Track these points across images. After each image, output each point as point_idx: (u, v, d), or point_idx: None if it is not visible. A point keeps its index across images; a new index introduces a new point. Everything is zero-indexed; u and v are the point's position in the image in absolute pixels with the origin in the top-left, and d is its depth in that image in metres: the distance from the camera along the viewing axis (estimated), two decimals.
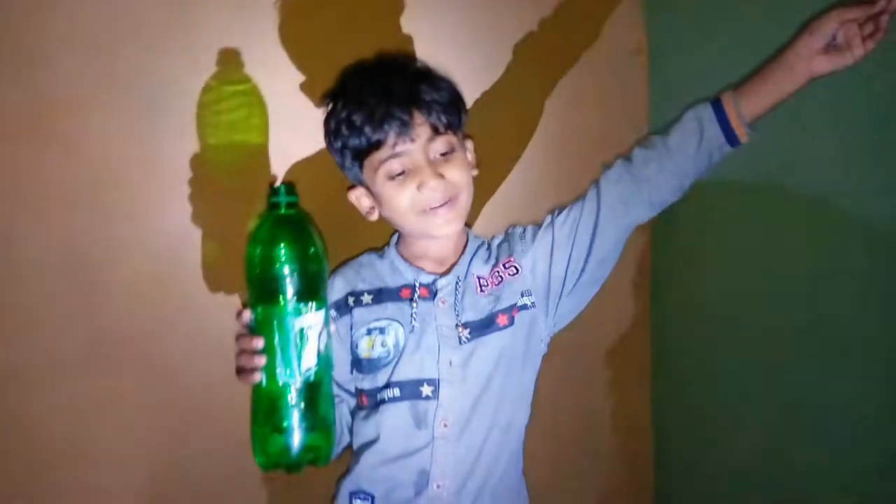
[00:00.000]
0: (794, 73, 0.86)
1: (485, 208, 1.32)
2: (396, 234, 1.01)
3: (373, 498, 0.92)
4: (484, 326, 0.93)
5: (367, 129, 0.88)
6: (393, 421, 0.90)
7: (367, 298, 0.94)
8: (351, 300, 0.96)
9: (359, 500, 0.92)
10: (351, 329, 0.95)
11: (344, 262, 1.02)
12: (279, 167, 1.17)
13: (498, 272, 0.98)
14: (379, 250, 1.03)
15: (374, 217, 0.96)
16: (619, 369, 1.64)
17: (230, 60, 1.17)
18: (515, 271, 0.97)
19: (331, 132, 0.94)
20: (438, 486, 0.90)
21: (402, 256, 0.98)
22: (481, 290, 0.96)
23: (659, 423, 1.66)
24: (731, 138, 0.92)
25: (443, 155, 0.91)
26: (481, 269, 0.98)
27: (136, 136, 1.17)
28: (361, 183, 0.95)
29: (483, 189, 1.37)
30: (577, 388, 1.59)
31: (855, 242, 1.02)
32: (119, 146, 1.17)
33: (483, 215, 1.31)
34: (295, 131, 1.12)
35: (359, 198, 0.96)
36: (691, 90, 1.35)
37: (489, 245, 1.03)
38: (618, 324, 1.61)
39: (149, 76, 1.16)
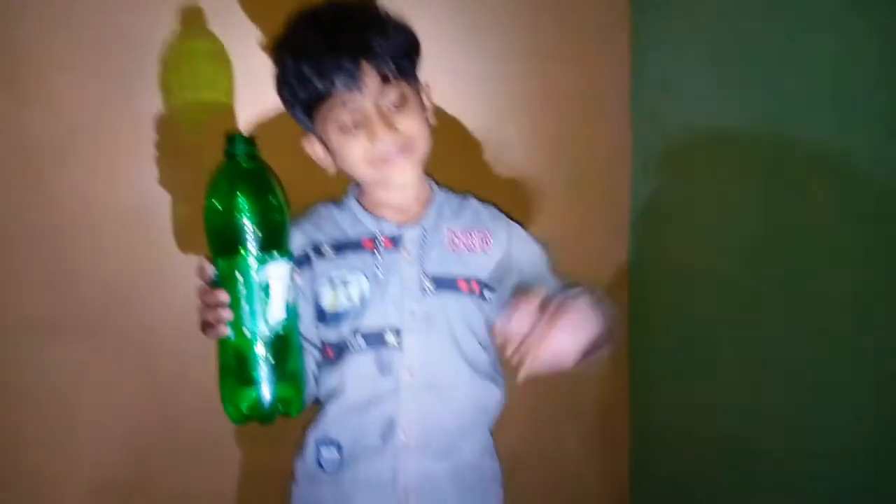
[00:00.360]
0: None
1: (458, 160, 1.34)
2: (355, 184, 0.99)
3: (339, 446, 0.92)
4: (447, 284, 0.93)
5: (315, 81, 0.86)
6: (357, 369, 0.90)
7: (328, 250, 0.93)
8: (311, 253, 0.95)
9: (325, 448, 0.93)
10: (313, 281, 0.93)
11: (300, 215, 1.00)
12: (247, 126, 1.18)
13: (472, 236, 0.97)
14: (336, 201, 1.01)
15: (331, 167, 0.95)
16: None
17: (196, 19, 1.17)
18: (489, 248, 0.97)
19: (280, 84, 0.92)
20: (405, 435, 0.91)
21: (362, 206, 0.97)
22: (453, 246, 0.95)
23: (636, 386, 1.69)
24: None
25: (395, 105, 0.89)
26: (453, 222, 0.97)
27: (109, 96, 1.18)
28: (313, 133, 0.93)
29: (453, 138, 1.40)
30: None
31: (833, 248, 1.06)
32: (93, 105, 1.18)
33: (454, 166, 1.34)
34: (262, 89, 1.13)
35: (313, 147, 0.95)
36: (675, 44, 1.37)
37: (462, 202, 1.01)
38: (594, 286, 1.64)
39: (123, 35, 1.16)
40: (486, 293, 0.95)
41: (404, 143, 0.89)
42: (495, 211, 1.02)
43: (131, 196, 1.21)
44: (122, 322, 1.24)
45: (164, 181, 1.20)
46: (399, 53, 0.89)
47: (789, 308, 1.21)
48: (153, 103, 1.17)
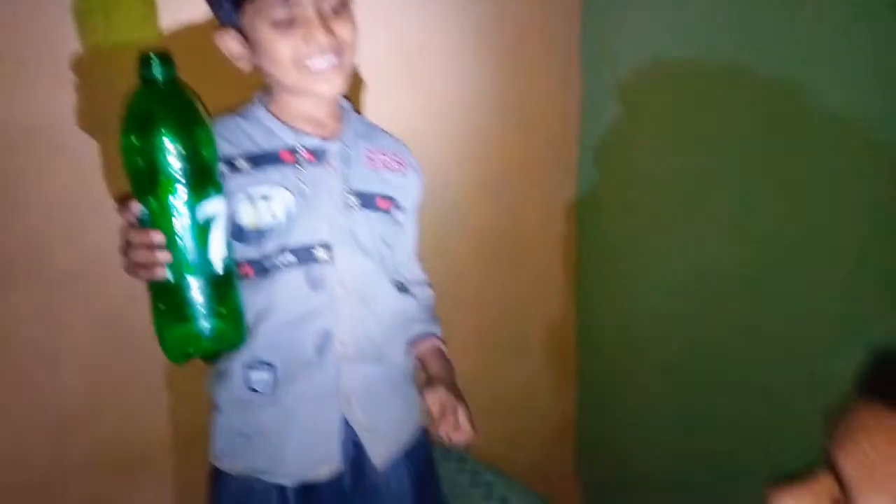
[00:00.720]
0: None
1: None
2: (261, 94, 0.94)
3: (271, 366, 0.90)
4: (369, 201, 0.93)
5: None
6: (287, 286, 0.88)
7: (243, 164, 0.87)
8: (224, 167, 0.86)
9: (255, 372, 0.90)
10: (228, 198, 0.84)
11: None
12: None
13: (387, 156, 0.97)
14: (237, 112, 0.93)
15: (245, 66, 0.89)
16: (543, 255, 1.69)
17: None
18: (404, 168, 0.98)
19: None
20: (343, 346, 0.91)
21: (274, 116, 0.91)
22: (371, 164, 0.95)
23: (583, 310, 1.73)
24: None
25: (334, 10, 0.85)
26: (367, 142, 0.96)
27: (23, 25, 1.12)
28: (235, 26, 0.86)
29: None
30: (503, 278, 1.66)
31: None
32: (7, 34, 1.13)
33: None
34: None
35: (228, 42, 0.87)
36: None
37: (371, 125, 1.00)
38: (543, 219, 1.67)
39: None
40: (399, 213, 0.96)
41: (338, 49, 0.85)
42: (404, 145, 1.02)
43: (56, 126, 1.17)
44: (64, 254, 1.21)
45: (84, 113, 1.16)
46: None
47: (733, 239, 1.23)
48: (69, 32, 1.12)
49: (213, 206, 0.75)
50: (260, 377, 0.90)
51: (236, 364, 0.91)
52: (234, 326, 0.80)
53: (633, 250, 1.54)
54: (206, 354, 0.80)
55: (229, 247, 0.78)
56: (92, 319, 1.26)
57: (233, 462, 0.94)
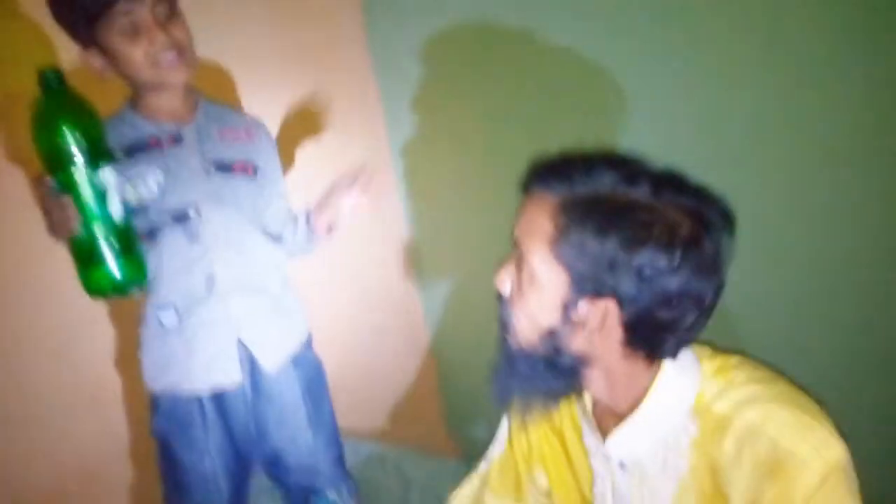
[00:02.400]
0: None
1: None
2: (128, 100, 1.17)
3: (175, 306, 1.15)
4: (225, 167, 1.18)
5: None
6: (171, 242, 1.13)
7: (120, 155, 1.09)
8: None
9: (163, 312, 1.15)
10: None
11: None
12: None
13: (238, 130, 1.23)
14: (113, 116, 1.14)
15: (108, 73, 1.10)
16: None
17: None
18: (253, 138, 1.25)
19: (61, 4, 1.06)
20: (223, 283, 1.16)
21: (139, 114, 1.15)
22: (222, 138, 1.20)
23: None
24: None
25: (166, 16, 1.08)
26: (219, 122, 1.21)
27: None
28: (94, 44, 1.08)
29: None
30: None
31: None
32: None
33: None
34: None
35: (91, 60, 1.09)
36: None
37: (222, 108, 1.26)
38: None
39: None
40: (256, 174, 1.23)
41: (178, 45, 1.09)
42: (257, 121, 1.30)
43: None
44: None
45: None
46: None
47: None
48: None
49: (106, 174, 1.00)
50: (167, 316, 1.15)
51: (150, 308, 1.16)
52: (136, 267, 1.04)
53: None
54: (117, 290, 1.03)
55: (126, 206, 1.03)
56: None
57: (158, 382, 1.18)
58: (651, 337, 0.80)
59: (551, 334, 0.82)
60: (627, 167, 0.78)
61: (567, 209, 0.77)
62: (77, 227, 0.97)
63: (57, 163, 0.96)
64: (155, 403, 1.20)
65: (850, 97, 1.05)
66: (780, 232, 1.19)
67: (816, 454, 0.73)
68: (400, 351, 2.03)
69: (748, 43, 1.13)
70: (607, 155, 0.81)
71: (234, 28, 1.62)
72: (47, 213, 0.98)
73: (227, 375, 1.18)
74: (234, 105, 1.56)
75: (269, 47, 1.72)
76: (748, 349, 0.87)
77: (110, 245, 1.00)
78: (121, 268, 1.01)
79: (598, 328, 0.79)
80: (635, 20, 1.25)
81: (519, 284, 0.84)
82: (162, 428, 1.20)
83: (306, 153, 1.77)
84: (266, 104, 1.69)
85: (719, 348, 0.87)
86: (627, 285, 0.75)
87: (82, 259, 1.01)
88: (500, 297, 0.87)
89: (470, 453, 1.94)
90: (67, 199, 0.96)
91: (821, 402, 0.79)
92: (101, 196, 0.99)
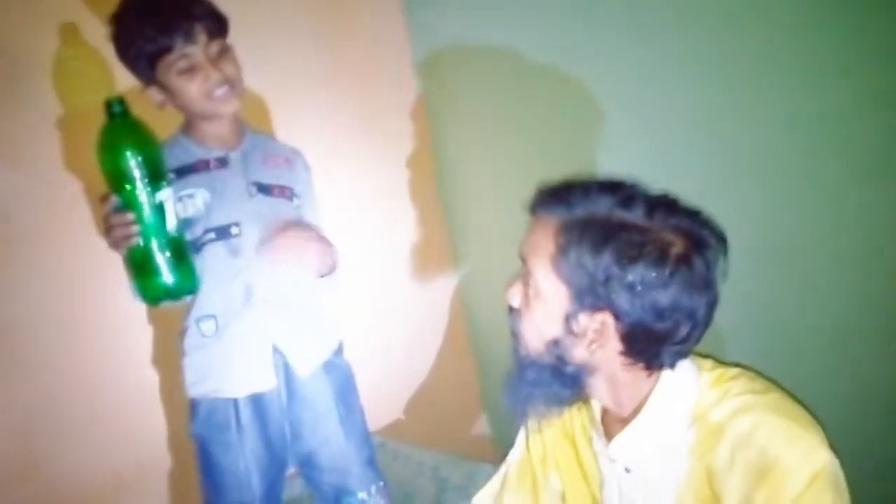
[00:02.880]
0: None
1: None
2: (182, 127, 1.27)
3: (214, 317, 1.24)
4: (266, 190, 1.28)
5: (160, 38, 1.14)
6: (213, 256, 1.22)
7: (172, 176, 1.18)
8: None
9: (204, 322, 1.24)
10: None
11: None
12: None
13: (278, 157, 1.34)
14: (165, 142, 1.21)
15: (165, 106, 1.22)
16: None
17: (67, 31, 1.44)
18: (292, 165, 1.35)
19: (125, 44, 1.17)
20: (260, 296, 1.24)
21: (191, 140, 1.26)
22: (265, 163, 1.30)
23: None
24: None
25: (218, 54, 1.19)
26: (263, 149, 1.32)
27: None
28: (154, 82, 1.19)
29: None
30: None
31: None
32: None
33: None
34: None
35: (152, 95, 1.21)
36: None
37: (265, 137, 1.37)
38: None
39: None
40: (294, 198, 1.33)
41: (229, 80, 1.20)
42: (295, 151, 1.40)
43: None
44: None
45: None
46: (214, 15, 1.20)
47: None
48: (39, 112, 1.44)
49: (165, 193, 1.09)
50: (207, 326, 1.25)
51: (191, 320, 1.25)
52: (189, 276, 1.14)
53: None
54: (171, 296, 1.12)
55: (180, 222, 1.12)
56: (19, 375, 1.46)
57: (198, 388, 1.26)
58: (647, 348, 0.85)
59: (555, 344, 0.88)
60: (623, 192, 0.85)
61: (566, 230, 0.84)
62: (137, 239, 1.07)
63: (121, 182, 1.06)
64: (194, 408, 1.29)
65: (836, 110, 1.11)
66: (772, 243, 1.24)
67: (803, 461, 0.76)
68: (441, 356, 2.09)
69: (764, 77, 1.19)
70: (605, 181, 0.87)
71: (279, 51, 1.71)
72: (110, 227, 1.07)
73: (264, 380, 1.26)
74: (270, 131, 1.67)
75: (314, 69, 1.81)
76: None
77: (165, 256, 1.09)
78: (174, 276, 1.10)
79: (597, 339, 0.85)
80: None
81: (526, 298, 0.90)
82: (200, 431, 1.28)
83: (355, 167, 1.87)
84: (313, 122, 1.80)
85: (720, 361, 0.91)
86: (622, 299, 0.81)
87: (139, 269, 1.10)
88: (510, 309, 0.94)
89: None
90: (129, 214, 1.06)
91: (813, 412, 0.82)
92: (159, 212, 1.08)
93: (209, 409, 1.27)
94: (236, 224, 1.24)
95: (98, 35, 1.38)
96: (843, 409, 1.17)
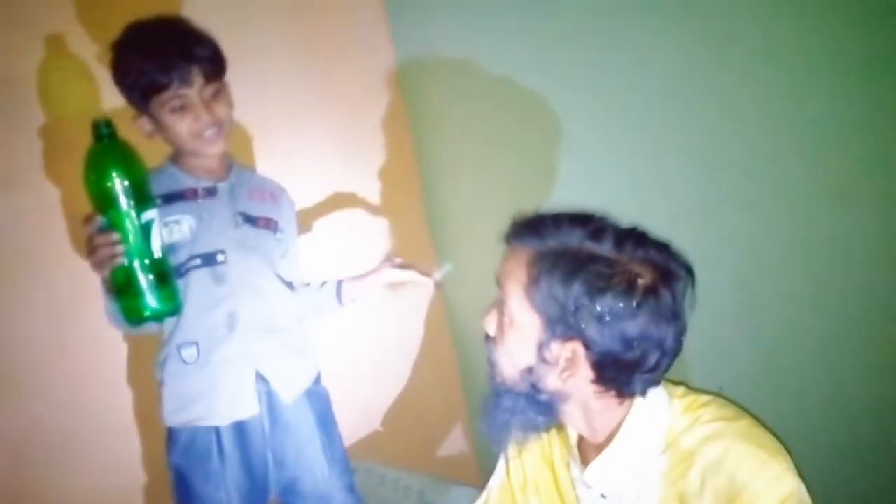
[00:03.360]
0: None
1: None
2: (171, 155, 1.30)
3: (196, 344, 1.24)
4: (252, 221, 1.31)
5: (158, 76, 1.17)
6: (198, 282, 1.24)
7: (159, 202, 1.18)
8: None
9: (186, 348, 1.24)
10: None
11: None
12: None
13: (264, 191, 1.37)
14: (154, 169, 1.24)
15: (154, 136, 1.24)
16: None
17: (53, 43, 1.46)
18: (277, 200, 1.38)
19: (122, 74, 1.19)
20: (245, 322, 1.26)
21: (179, 168, 1.28)
22: (251, 196, 1.34)
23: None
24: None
25: (212, 96, 1.22)
26: (249, 182, 1.36)
27: None
28: (146, 112, 1.22)
29: None
30: None
31: None
32: None
33: None
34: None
35: (142, 124, 1.23)
36: None
37: (251, 171, 1.41)
38: None
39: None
40: (277, 231, 1.36)
41: (219, 123, 1.23)
42: (278, 185, 1.43)
43: None
44: None
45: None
46: (214, 59, 1.23)
47: None
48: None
49: (150, 214, 1.10)
50: (189, 353, 1.25)
51: (172, 346, 1.25)
52: (171, 298, 1.13)
53: None
54: (154, 318, 1.12)
55: (165, 245, 1.12)
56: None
57: (179, 417, 1.26)
58: (617, 376, 0.86)
59: (529, 372, 0.89)
60: (593, 224, 0.87)
61: (538, 260, 0.86)
62: (121, 259, 1.06)
63: (107, 203, 1.06)
64: (172, 438, 1.28)
65: (817, 130, 1.13)
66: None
67: (769, 487, 0.78)
68: (427, 378, 2.10)
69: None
70: (577, 213, 0.89)
71: (262, 67, 1.73)
72: (94, 247, 1.06)
73: (247, 407, 1.27)
74: (252, 148, 1.70)
75: (297, 85, 1.84)
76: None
77: (149, 277, 1.09)
78: (157, 298, 1.10)
79: (568, 367, 0.87)
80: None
81: (501, 326, 0.92)
82: (179, 461, 1.27)
83: (340, 186, 1.89)
84: (295, 137, 1.83)
85: (692, 388, 0.93)
86: (591, 329, 0.83)
87: (122, 290, 1.09)
88: (487, 337, 0.96)
89: None
90: (114, 235, 1.06)
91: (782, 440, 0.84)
92: (145, 233, 1.08)
93: (189, 438, 1.26)
94: (222, 252, 1.26)
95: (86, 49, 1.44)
96: (829, 421, 1.21)
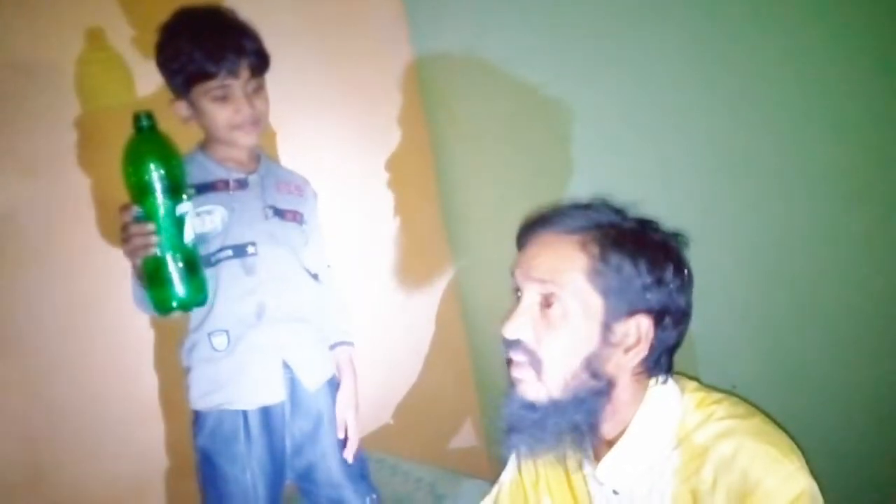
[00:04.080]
0: None
1: None
2: (200, 143, 1.32)
3: (227, 332, 1.28)
4: (280, 213, 1.34)
5: (206, 64, 1.19)
6: (228, 272, 1.27)
7: (191, 192, 1.20)
8: None
9: (216, 336, 1.28)
10: None
11: None
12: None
13: (290, 184, 1.40)
14: (184, 157, 1.23)
15: (189, 121, 1.27)
16: None
17: (92, 34, 1.50)
18: (302, 193, 1.41)
19: (168, 57, 1.21)
20: (273, 312, 1.29)
21: (210, 159, 1.31)
22: (279, 189, 1.37)
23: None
24: None
25: (254, 90, 1.25)
26: (276, 175, 1.39)
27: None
28: (185, 98, 1.24)
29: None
30: None
31: None
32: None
33: None
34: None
35: (179, 109, 1.26)
36: None
37: (278, 164, 1.45)
38: None
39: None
40: (303, 223, 1.39)
41: (255, 117, 1.27)
42: (303, 178, 1.46)
43: None
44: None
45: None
46: (260, 54, 1.26)
47: None
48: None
49: (185, 207, 1.11)
50: (219, 340, 1.28)
51: (202, 333, 1.29)
52: (200, 289, 1.15)
53: None
54: (182, 307, 1.13)
55: (196, 236, 1.14)
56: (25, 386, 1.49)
57: (207, 402, 1.30)
58: (667, 350, 0.90)
59: (589, 361, 0.87)
60: (613, 207, 0.91)
61: (599, 240, 0.86)
62: (155, 249, 1.08)
63: (143, 193, 1.08)
64: (199, 421, 1.31)
65: (826, 122, 1.14)
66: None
67: (782, 485, 0.79)
68: (442, 375, 2.13)
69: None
70: (590, 200, 0.92)
71: (281, 63, 1.74)
72: (129, 236, 1.08)
73: (273, 394, 1.31)
74: (274, 143, 1.73)
75: (316, 80, 1.88)
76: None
77: (180, 267, 1.11)
78: (187, 288, 1.12)
79: (636, 343, 0.87)
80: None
81: (547, 324, 0.88)
82: (205, 444, 1.30)
83: (357, 182, 1.92)
84: (314, 132, 1.86)
85: (704, 384, 0.95)
86: (658, 300, 0.86)
87: (152, 279, 1.11)
88: (512, 348, 0.89)
89: None
90: (149, 225, 1.07)
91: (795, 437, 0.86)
92: (179, 224, 1.10)
93: (217, 421, 1.30)
94: (252, 243, 1.29)
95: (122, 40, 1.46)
96: (838, 418, 1.22)
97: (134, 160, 1.08)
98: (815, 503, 0.81)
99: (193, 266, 1.14)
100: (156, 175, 1.08)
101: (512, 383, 0.91)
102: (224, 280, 1.27)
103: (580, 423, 0.89)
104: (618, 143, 1.49)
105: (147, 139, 1.09)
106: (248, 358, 1.28)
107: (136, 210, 1.08)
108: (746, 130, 1.25)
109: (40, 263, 1.51)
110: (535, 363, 0.88)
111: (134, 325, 1.56)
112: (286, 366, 1.32)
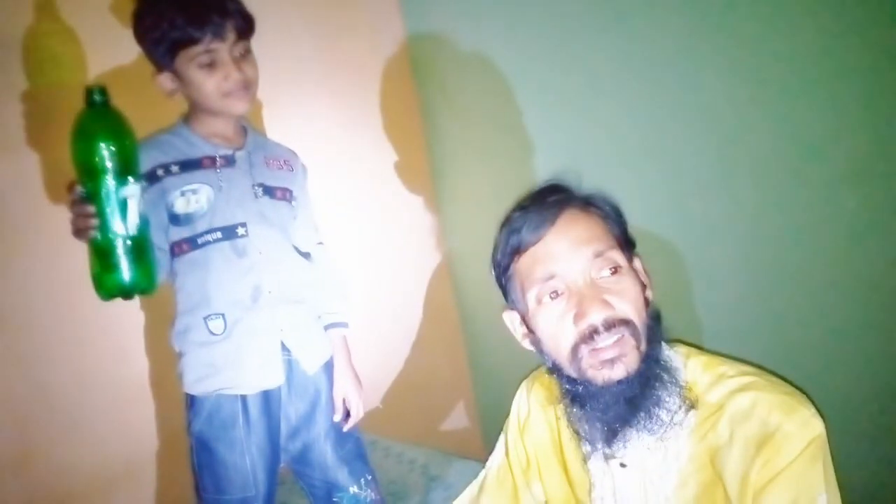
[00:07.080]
0: None
1: None
2: (184, 117, 1.26)
3: (223, 315, 1.24)
4: (269, 191, 1.29)
5: (189, 29, 1.13)
6: (219, 255, 1.22)
7: (175, 168, 1.19)
8: (160, 171, 1.19)
9: (212, 320, 1.23)
10: (164, 194, 1.18)
11: (142, 141, 1.12)
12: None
13: (279, 160, 1.35)
14: (166, 130, 1.24)
15: (174, 94, 1.21)
16: None
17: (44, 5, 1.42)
18: (290, 169, 1.36)
19: (149, 26, 1.15)
20: (270, 293, 1.26)
21: (195, 133, 1.24)
22: (268, 165, 1.32)
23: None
24: None
25: (241, 55, 1.19)
26: (264, 150, 1.33)
27: None
28: (168, 69, 1.18)
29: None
30: None
31: None
32: None
33: None
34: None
35: (163, 82, 1.20)
36: None
37: (265, 138, 1.39)
38: None
39: None
40: (293, 200, 1.35)
41: (246, 82, 1.21)
42: (292, 152, 1.42)
43: None
44: None
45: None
46: (246, 16, 1.20)
47: None
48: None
49: (130, 189, 1.04)
50: (216, 324, 1.24)
51: (197, 317, 1.24)
52: (145, 274, 1.07)
53: None
54: (124, 294, 1.07)
55: (143, 219, 1.05)
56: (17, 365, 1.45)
57: (204, 387, 1.25)
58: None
59: (647, 302, 0.91)
60: (564, 185, 0.97)
61: (588, 202, 0.95)
62: (95, 233, 1.02)
63: (88, 173, 1.02)
64: (194, 406, 1.26)
65: (827, 113, 1.16)
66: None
67: (801, 428, 0.82)
68: (436, 357, 2.12)
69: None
70: (543, 184, 0.98)
71: (274, 47, 1.69)
72: (72, 217, 1.04)
73: (273, 377, 1.27)
74: (263, 126, 1.68)
75: (310, 65, 1.85)
76: None
77: (123, 253, 1.04)
78: (130, 274, 1.05)
79: (648, 279, 0.94)
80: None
81: (620, 289, 0.88)
82: (201, 429, 1.25)
83: (348, 160, 1.89)
84: (307, 118, 1.83)
85: (703, 349, 0.95)
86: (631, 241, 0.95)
87: (95, 262, 1.06)
88: (600, 331, 0.86)
89: None
90: (90, 207, 1.01)
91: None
92: (122, 208, 1.03)
93: (214, 406, 1.25)
94: (243, 224, 1.25)
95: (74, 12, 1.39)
96: (839, 404, 1.21)
97: (82, 137, 1.01)
98: (826, 447, 0.83)
99: (139, 252, 1.06)
100: (104, 154, 1.01)
101: (588, 378, 0.88)
102: (216, 263, 1.23)
103: (663, 377, 0.89)
104: (612, 128, 1.50)
105: (98, 115, 1.02)
106: (247, 341, 1.24)
107: (79, 190, 1.02)
108: (749, 121, 1.25)
109: (29, 243, 1.46)
110: (633, 330, 0.87)
111: (124, 306, 1.50)
112: (284, 348, 1.28)
